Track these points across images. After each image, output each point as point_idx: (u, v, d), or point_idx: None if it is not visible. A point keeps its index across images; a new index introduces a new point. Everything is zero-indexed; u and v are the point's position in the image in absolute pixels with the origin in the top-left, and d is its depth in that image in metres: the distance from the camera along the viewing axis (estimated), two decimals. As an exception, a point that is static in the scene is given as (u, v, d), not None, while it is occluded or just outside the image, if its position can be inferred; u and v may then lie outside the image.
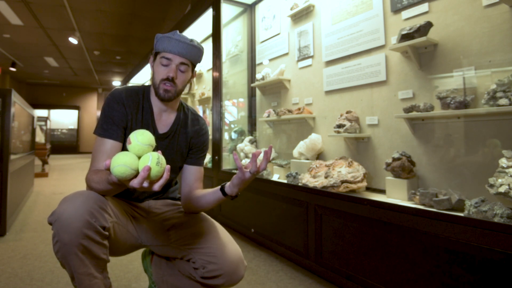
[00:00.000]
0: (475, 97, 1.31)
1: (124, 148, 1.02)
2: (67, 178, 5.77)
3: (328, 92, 2.07)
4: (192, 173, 1.18)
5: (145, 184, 0.73)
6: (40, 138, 6.29)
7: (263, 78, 2.53)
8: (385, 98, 1.70)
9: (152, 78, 1.08)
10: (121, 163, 0.71)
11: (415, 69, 1.55)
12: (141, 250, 1.38)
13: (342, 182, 1.55)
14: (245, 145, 2.69)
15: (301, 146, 2.09)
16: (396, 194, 1.46)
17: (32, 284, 1.59)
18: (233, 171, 2.57)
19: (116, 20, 5.83)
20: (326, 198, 1.55)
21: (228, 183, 1.03)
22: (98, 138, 1.03)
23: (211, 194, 1.08)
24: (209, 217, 1.20)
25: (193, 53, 1.05)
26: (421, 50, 1.52)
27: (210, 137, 2.87)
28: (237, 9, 2.97)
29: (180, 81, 1.06)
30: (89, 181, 0.93)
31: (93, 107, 13.81)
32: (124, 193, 1.14)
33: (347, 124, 1.78)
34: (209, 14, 2.95)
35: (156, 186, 0.75)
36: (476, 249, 0.99)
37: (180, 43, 1.02)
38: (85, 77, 11.46)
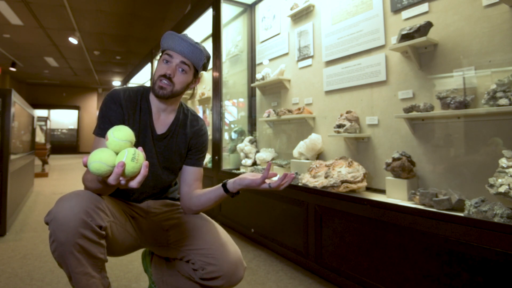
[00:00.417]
0: (475, 97, 1.31)
1: None
2: (67, 178, 5.77)
3: (328, 92, 2.07)
4: (191, 174, 1.18)
5: (122, 181, 0.71)
6: (40, 138, 6.29)
7: (263, 78, 2.53)
8: (385, 98, 1.70)
9: (153, 76, 1.08)
10: (97, 160, 0.70)
11: (415, 69, 1.55)
12: (141, 250, 1.38)
13: (342, 182, 1.55)
14: (245, 145, 2.69)
15: (301, 146, 2.09)
16: (396, 194, 1.46)
17: (32, 284, 1.59)
18: (233, 171, 2.57)
19: (116, 20, 5.83)
20: (326, 198, 1.55)
21: (230, 180, 1.04)
22: (96, 138, 1.04)
23: (213, 191, 1.09)
24: (208, 218, 1.19)
25: (195, 55, 1.05)
26: (421, 50, 1.52)
27: (210, 137, 2.86)
28: (237, 9, 2.97)
29: (179, 81, 1.05)
30: (84, 180, 0.93)
31: (93, 107, 13.82)
32: (124, 194, 1.14)
33: (347, 124, 1.78)
34: (209, 14, 2.95)
35: (134, 183, 0.73)
36: (476, 249, 0.99)
37: (183, 42, 1.03)
38: (85, 77, 11.46)
